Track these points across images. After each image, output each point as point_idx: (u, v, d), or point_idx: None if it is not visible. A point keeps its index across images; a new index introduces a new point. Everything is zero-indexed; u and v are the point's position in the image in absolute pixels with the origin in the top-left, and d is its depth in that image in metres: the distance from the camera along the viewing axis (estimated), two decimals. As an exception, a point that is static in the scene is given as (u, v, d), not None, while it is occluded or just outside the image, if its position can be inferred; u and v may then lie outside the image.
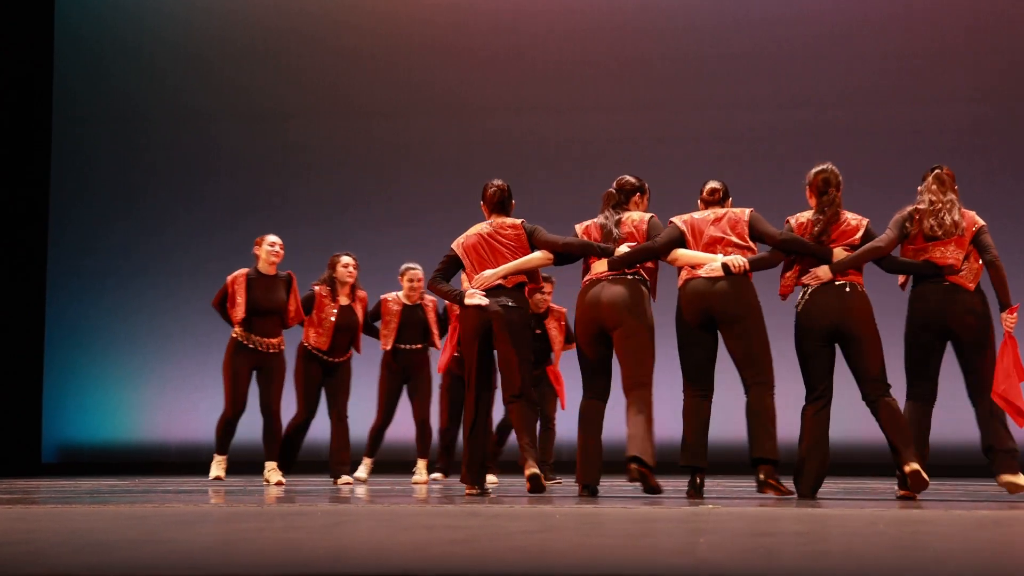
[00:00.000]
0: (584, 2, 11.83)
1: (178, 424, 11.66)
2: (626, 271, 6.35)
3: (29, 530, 4.35)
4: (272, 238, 8.24)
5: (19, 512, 5.22)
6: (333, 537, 3.95)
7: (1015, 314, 6.17)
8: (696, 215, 6.40)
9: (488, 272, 6.53)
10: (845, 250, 6.18)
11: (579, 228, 6.61)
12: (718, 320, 6.20)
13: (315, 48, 12.05)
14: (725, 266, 6.13)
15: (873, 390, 6.15)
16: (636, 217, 6.50)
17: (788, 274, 6.31)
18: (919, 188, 6.36)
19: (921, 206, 6.25)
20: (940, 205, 6.20)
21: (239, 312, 8.06)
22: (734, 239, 6.25)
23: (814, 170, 6.35)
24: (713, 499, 6.00)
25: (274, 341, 8.18)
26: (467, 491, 6.58)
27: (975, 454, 6.53)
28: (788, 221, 6.35)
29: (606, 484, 8.11)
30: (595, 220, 6.59)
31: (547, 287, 8.40)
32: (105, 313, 11.98)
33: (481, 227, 6.69)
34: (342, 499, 6.42)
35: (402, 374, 8.70)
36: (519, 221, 6.66)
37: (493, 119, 11.74)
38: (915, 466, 5.99)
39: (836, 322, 6.12)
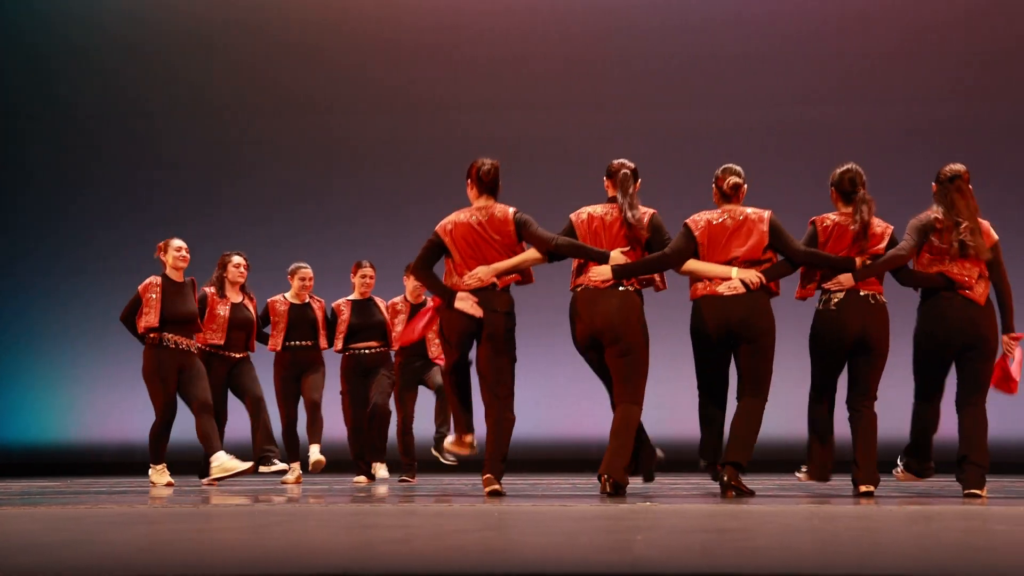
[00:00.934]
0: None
1: (111, 424, 11.51)
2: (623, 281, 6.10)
3: (-41, 533, 4.28)
4: (177, 243, 8.01)
5: (-51, 514, 5.13)
6: (271, 537, 3.93)
7: (1017, 343, 6.25)
8: (714, 220, 6.18)
9: (483, 270, 6.16)
10: (866, 261, 6.15)
11: (576, 218, 6.24)
12: (737, 336, 6.12)
13: (258, 42, 11.89)
14: (742, 282, 6.05)
15: (863, 401, 6.22)
16: (638, 213, 6.19)
17: (811, 285, 6.26)
18: (934, 191, 6.27)
19: (939, 216, 6.16)
20: (966, 224, 6.11)
21: (152, 319, 7.78)
22: (751, 256, 6.11)
23: (838, 170, 6.27)
24: (657, 497, 6.04)
25: (190, 341, 7.99)
26: (465, 439, 6.44)
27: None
28: (813, 223, 6.27)
29: (545, 482, 8.13)
30: (593, 209, 6.22)
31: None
32: (38, 313, 11.81)
33: (469, 214, 6.27)
34: (279, 499, 6.38)
35: (295, 371, 8.61)
36: (510, 212, 6.24)
37: (441, 116, 11.66)
38: (870, 488, 6.12)
39: (859, 333, 6.13)
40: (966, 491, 6.06)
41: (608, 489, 5.95)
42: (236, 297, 8.39)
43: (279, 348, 8.58)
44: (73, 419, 11.68)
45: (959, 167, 6.24)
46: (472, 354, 6.36)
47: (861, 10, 11.39)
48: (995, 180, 10.08)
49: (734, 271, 6.06)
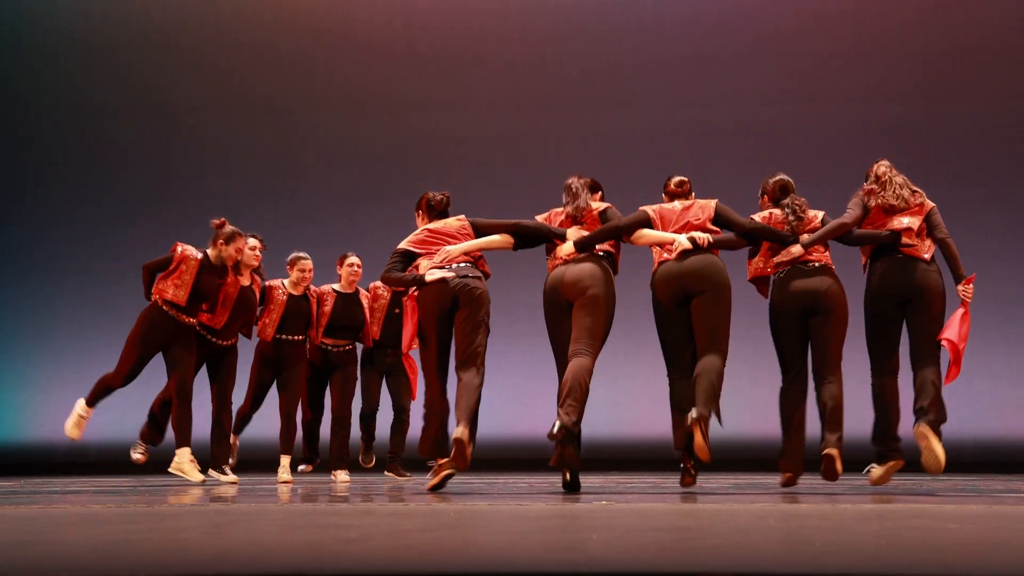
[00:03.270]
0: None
1: (64, 424, 11.39)
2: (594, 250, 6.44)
3: (-91, 533, 4.23)
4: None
5: (-102, 515, 5.07)
6: (225, 537, 3.91)
7: (971, 284, 6.42)
8: (664, 206, 6.59)
9: (453, 248, 6.44)
10: (808, 234, 6.49)
11: (541, 219, 6.66)
12: (691, 293, 6.32)
13: (215, 40, 11.85)
14: (692, 240, 6.31)
15: (828, 370, 6.40)
16: (594, 205, 6.64)
17: (755, 259, 6.58)
18: (868, 173, 6.64)
19: (872, 185, 6.54)
20: (893, 182, 6.49)
21: (181, 296, 7.62)
22: (700, 227, 6.42)
23: (772, 179, 6.69)
24: (607, 494, 6.06)
25: (192, 319, 7.84)
26: (439, 463, 6.43)
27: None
28: (752, 219, 6.58)
29: (501, 481, 8.13)
30: (556, 210, 6.65)
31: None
32: (-10, 312, 11.72)
33: (424, 230, 6.62)
34: (234, 498, 6.35)
35: (276, 364, 8.41)
36: (463, 218, 6.61)
37: (398, 115, 11.67)
38: (834, 452, 6.27)
39: (812, 301, 6.38)
40: (920, 440, 6.31)
41: (558, 438, 6.10)
42: (246, 280, 8.24)
43: (269, 338, 8.36)
44: (26, 419, 11.57)
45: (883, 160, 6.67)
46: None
47: (816, 11, 11.47)
48: (953, 180, 10.19)
49: (682, 236, 6.37)
